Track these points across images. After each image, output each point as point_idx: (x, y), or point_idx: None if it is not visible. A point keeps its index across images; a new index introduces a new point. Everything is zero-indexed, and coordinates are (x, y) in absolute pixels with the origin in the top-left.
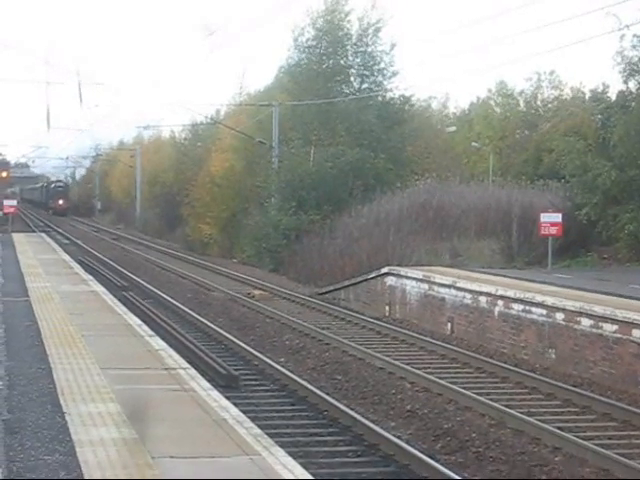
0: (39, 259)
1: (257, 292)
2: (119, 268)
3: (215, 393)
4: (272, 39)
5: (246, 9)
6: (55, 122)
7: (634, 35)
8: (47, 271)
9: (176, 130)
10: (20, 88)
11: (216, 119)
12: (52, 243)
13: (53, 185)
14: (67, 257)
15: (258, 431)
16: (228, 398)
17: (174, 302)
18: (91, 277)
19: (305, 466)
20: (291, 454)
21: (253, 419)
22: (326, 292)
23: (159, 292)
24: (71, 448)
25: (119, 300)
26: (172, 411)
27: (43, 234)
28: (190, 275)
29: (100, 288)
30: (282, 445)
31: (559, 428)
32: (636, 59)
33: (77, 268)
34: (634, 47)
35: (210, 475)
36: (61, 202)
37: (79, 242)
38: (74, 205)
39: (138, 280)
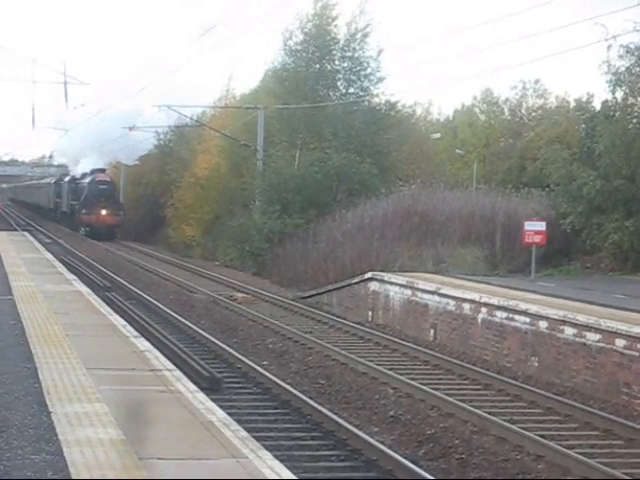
0: (22, 258)
1: (240, 295)
2: (102, 268)
3: (201, 395)
4: (259, 42)
5: (233, 11)
6: (40, 121)
7: (621, 45)
8: (31, 270)
9: (161, 131)
10: (6, 86)
11: (202, 120)
12: (35, 242)
13: (88, 180)
14: (50, 256)
15: (245, 434)
16: (214, 400)
17: (157, 303)
18: (74, 277)
19: (291, 469)
20: (277, 457)
21: (237, 422)
22: (309, 296)
23: (142, 293)
24: (58, 448)
25: (103, 300)
26: (159, 412)
27: (26, 233)
28: (172, 277)
29: (84, 288)
30: (266, 448)
31: (541, 436)
32: (623, 69)
33: (60, 267)
34: (621, 57)
35: (198, 477)
36: (105, 212)
37: (61, 242)
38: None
39: (121, 281)
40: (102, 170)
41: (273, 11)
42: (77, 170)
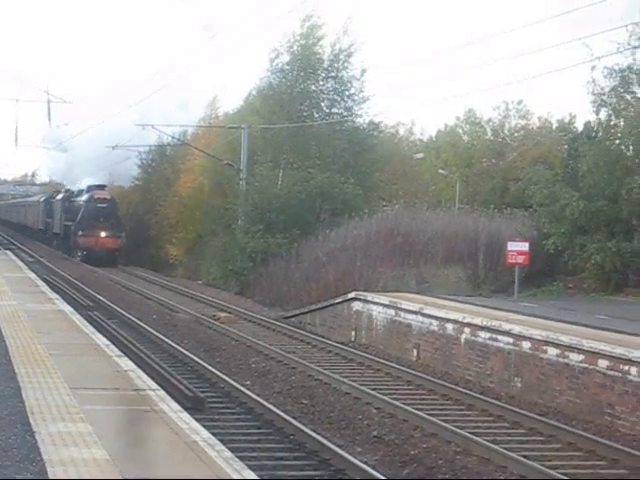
0: (5, 277)
1: (223, 314)
2: (85, 288)
3: (185, 415)
4: (242, 62)
5: (223, 30)
6: (23, 140)
7: (605, 67)
8: (13, 289)
9: (143, 150)
10: None
11: (184, 139)
12: (17, 261)
13: (86, 197)
14: (33, 275)
15: (229, 454)
16: (198, 420)
17: (140, 323)
18: (57, 296)
19: None
20: (261, 477)
21: (221, 442)
22: (292, 316)
23: (125, 312)
24: (42, 468)
25: (86, 320)
26: (143, 432)
27: (8, 252)
28: (155, 296)
29: (67, 307)
30: (250, 468)
31: (525, 456)
32: (607, 90)
33: (43, 287)
34: (605, 78)
35: None
36: (105, 234)
37: (44, 260)
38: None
39: (104, 300)
40: (101, 187)
41: (260, 30)
42: (73, 186)
